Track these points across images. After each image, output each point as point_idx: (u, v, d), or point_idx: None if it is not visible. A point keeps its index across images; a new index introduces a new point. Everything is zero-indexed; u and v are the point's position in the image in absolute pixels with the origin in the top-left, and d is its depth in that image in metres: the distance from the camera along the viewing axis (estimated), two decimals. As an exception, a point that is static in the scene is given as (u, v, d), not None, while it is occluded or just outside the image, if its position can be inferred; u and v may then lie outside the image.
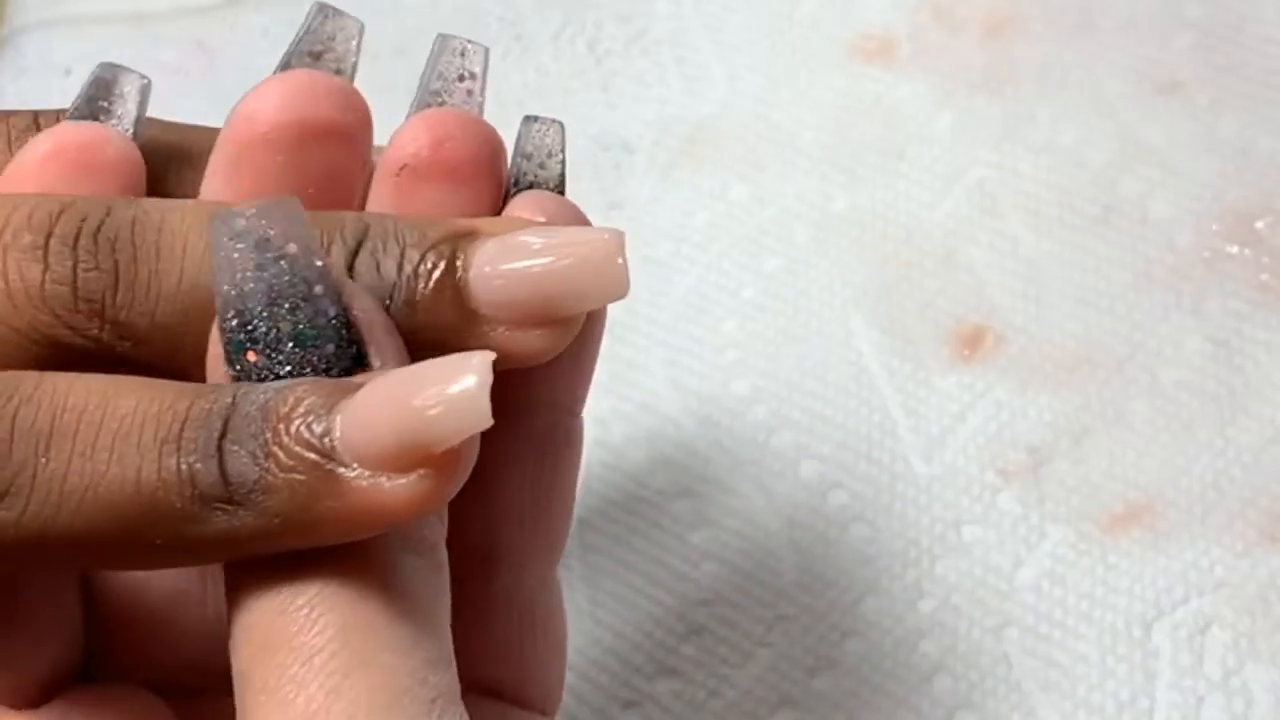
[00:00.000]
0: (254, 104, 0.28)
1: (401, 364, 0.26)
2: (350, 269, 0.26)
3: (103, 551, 0.25)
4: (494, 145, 0.29)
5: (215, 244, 0.25)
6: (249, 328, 0.25)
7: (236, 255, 0.25)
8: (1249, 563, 0.42)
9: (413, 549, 0.25)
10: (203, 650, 0.30)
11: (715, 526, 0.46)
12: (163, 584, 0.30)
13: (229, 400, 0.24)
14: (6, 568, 0.26)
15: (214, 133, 0.30)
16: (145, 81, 0.30)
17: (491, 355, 0.23)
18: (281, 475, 0.24)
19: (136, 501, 0.24)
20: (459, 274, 0.27)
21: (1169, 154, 0.50)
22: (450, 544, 0.27)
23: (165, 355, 0.26)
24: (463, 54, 0.30)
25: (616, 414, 0.48)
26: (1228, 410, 0.45)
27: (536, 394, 0.31)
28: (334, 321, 0.25)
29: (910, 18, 0.54)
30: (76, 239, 0.26)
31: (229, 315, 0.25)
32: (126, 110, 0.29)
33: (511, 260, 0.27)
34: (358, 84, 0.30)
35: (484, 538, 0.31)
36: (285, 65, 0.30)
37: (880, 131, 0.52)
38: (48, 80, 0.58)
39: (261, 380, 0.25)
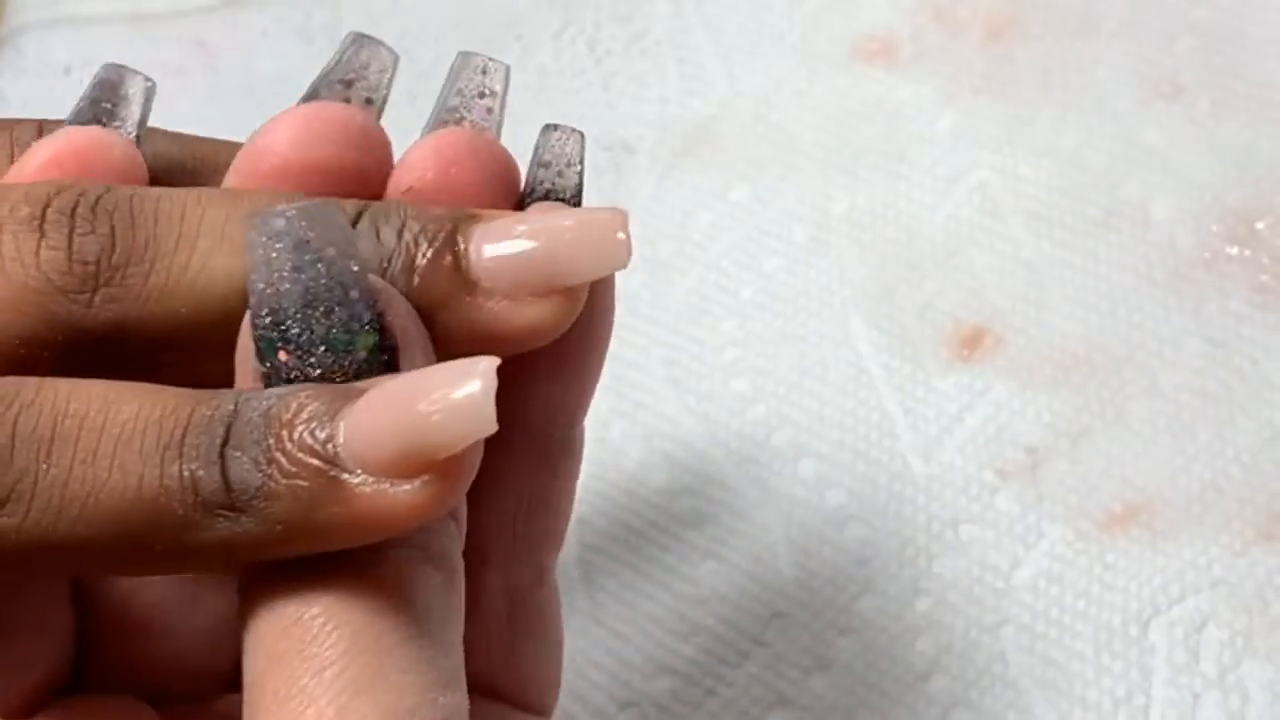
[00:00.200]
0: (266, 138, 0.28)
1: None
2: None
3: (104, 558, 0.24)
4: (505, 169, 0.29)
5: (252, 242, 0.24)
6: (282, 327, 0.24)
7: (274, 255, 0.24)
8: (1246, 561, 0.42)
9: (430, 560, 0.25)
10: (193, 657, 0.30)
11: (713, 525, 0.46)
12: (152, 591, 0.30)
13: (231, 407, 0.24)
14: (8, 575, 0.25)
15: (219, 145, 0.30)
16: (150, 84, 0.30)
17: (496, 360, 0.23)
18: (284, 481, 0.23)
19: (138, 508, 0.24)
20: (459, 244, 0.26)
21: (1170, 156, 0.50)
22: None
23: (159, 322, 0.26)
24: (484, 71, 0.30)
25: (616, 413, 0.48)
26: (1226, 411, 0.45)
27: (537, 405, 0.31)
28: (368, 327, 0.25)
29: (911, 19, 0.55)
30: (74, 209, 0.26)
31: (263, 312, 0.25)
32: (130, 113, 0.29)
33: (513, 232, 0.26)
34: None
35: (478, 542, 0.31)
36: (314, 93, 0.29)
37: (881, 133, 0.52)
38: (48, 80, 0.59)
39: (290, 380, 0.24)
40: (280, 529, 0.23)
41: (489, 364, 0.23)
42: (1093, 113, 0.51)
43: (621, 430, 0.48)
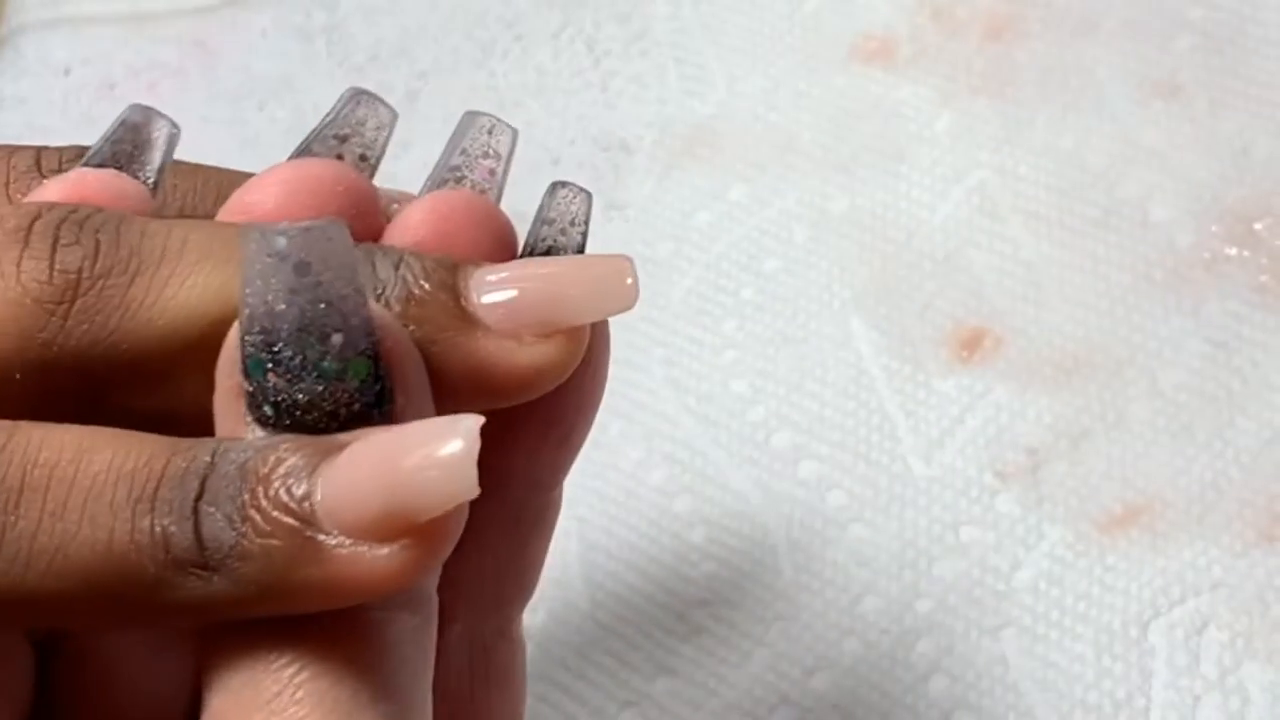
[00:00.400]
0: (254, 195, 0.27)
1: (426, 404, 0.24)
2: None
3: (73, 613, 0.23)
4: (503, 240, 0.28)
5: (250, 257, 0.23)
6: (273, 349, 0.23)
7: (272, 275, 0.23)
8: (1246, 563, 0.42)
9: (407, 604, 0.24)
10: (156, 707, 0.29)
11: (714, 526, 0.46)
12: (115, 639, 0.28)
13: (208, 458, 0.23)
14: None
15: (234, 176, 0.29)
16: (175, 130, 0.28)
17: (480, 419, 0.22)
18: (258, 541, 0.22)
19: (108, 564, 0.23)
20: (460, 281, 0.25)
21: (1169, 156, 0.50)
22: None
23: (135, 340, 0.25)
24: (490, 131, 0.29)
25: (615, 413, 0.48)
26: (1226, 412, 0.45)
27: (517, 471, 0.29)
28: (362, 355, 0.24)
29: (910, 19, 0.55)
30: (61, 223, 0.25)
31: (254, 330, 0.23)
32: (151, 159, 0.28)
33: (516, 271, 0.25)
34: (363, 85, 0.29)
35: (443, 599, 0.29)
36: (306, 148, 0.28)
37: (880, 133, 0.52)
38: (47, 80, 0.58)
39: (277, 401, 0.24)
40: (254, 590, 0.22)
41: (473, 422, 0.22)
42: (1092, 112, 0.51)
43: (621, 430, 0.48)
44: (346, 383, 0.23)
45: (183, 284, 0.25)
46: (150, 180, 0.28)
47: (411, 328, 0.25)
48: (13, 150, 0.29)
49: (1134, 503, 0.44)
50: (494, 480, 0.28)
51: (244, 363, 0.24)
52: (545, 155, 0.55)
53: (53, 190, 0.27)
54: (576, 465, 0.31)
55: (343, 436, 0.23)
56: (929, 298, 0.48)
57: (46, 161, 0.29)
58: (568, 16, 0.58)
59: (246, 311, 0.23)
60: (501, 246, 0.27)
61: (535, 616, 0.45)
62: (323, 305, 0.23)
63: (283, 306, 0.23)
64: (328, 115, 0.28)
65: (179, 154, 0.29)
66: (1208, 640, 0.41)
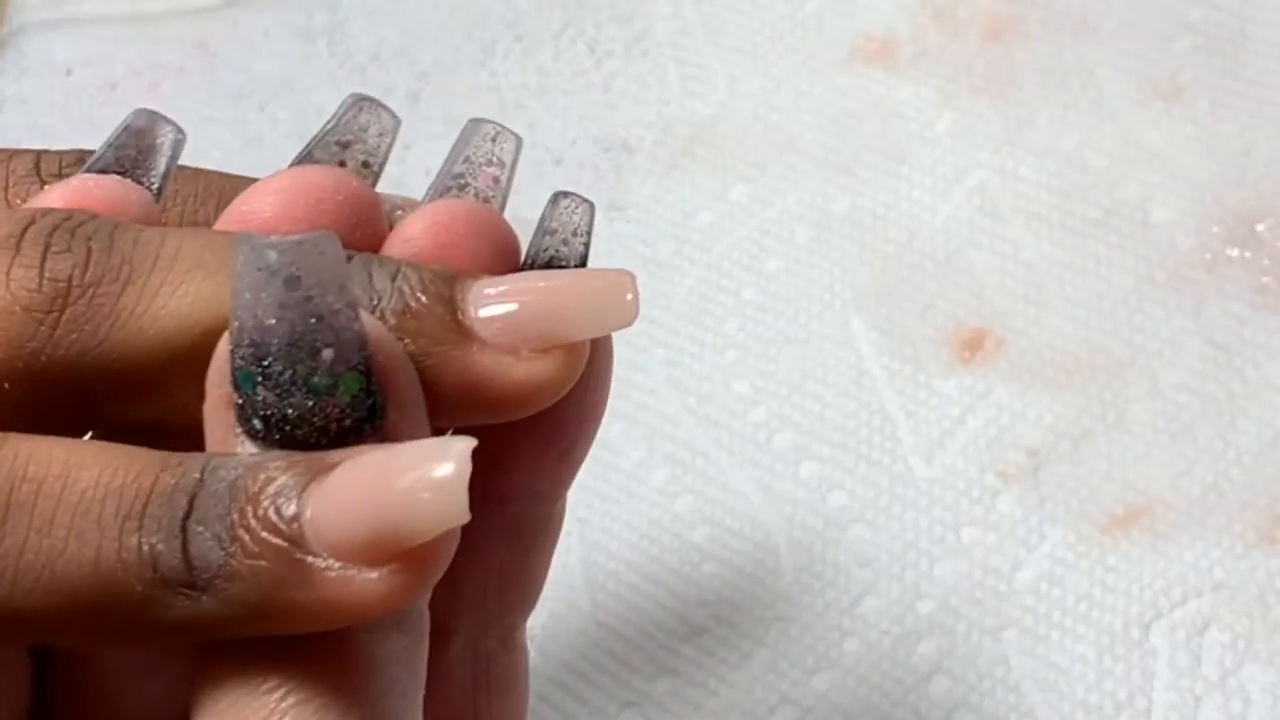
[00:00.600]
0: (252, 203, 0.26)
1: (420, 419, 0.24)
2: None
3: (61, 631, 0.23)
4: (505, 250, 0.27)
5: (240, 270, 0.23)
6: (263, 363, 0.23)
7: (263, 289, 0.23)
8: (1248, 564, 0.42)
9: (397, 624, 0.24)
10: (153, 713, 0.28)
11: (715, 526, 0.46)
12: (109, 652, 0.28)
13: (197, 475, 0.23)
14: None
15: (238, 181, 0.28)
16: (180, 136, 0.28)
17: (472, 442, 0.22)
18: (246, 562, 0.22)
19: (95, 582, 0.22)
20: (457, 293, 0.25)
21: (1170, 157, 0.50)
22: None
23: (124, 349, 0.24)
24: (494, 139, 0.28)
25: (616, 413, 0.48)
26: (1227, 413, 0.45)
27: (519, 486, 0.29)
28: (354, 370, 0.23)
29: (911, 20, 0.55)
30: (54, 230, 0.25)
31: (244, 344, 0.23)
32: (155, 165, 0.28)
33: (515, 284, 0.25)
34: (364, 86, 0.29)
35: (446, 612, 0.29)
36: (308, 154, 0.28)
37: (881, 133, 0.52)
38: (48, 81, 0.58)
39: (266, 415, 0.23)
40: (242, 611, 0.22)
41: (464, 445, 0.21)
42: (1092, 113, 0.51)
43: (621, 430, 0.48)
44: (337, 398, 0.23)
45: (174, 293, 0.24)
46: (154, 186, 0.27)
47: (406, 341, 0.25)
48: (12, 154, 0.29)
49: (1135, 504, 0.44)
50: (495, 493, 0.28)
51: (234, 375, 0.23)
52: (547, 156, 0.55)
53: (55, 197, 0.27)
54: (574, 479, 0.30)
55: (333, 455, 0.23)
56: (930, 298, 0.48)
57: (46, 166, 0.29)
58: (569, 17, 0.58)
59: (236, 324, 0.23)
60: (503, 257, 0.27)
61: (536, 617, 0.45)
62: (313, 320, 0.23)
63: (272, 321, 0.23)
64: (330, 121, 0.28)
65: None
66: (1209, 641, 0.41)
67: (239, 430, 0.23)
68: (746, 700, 0.43)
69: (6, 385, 0.24)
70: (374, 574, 0.22)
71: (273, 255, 0.23)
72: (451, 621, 0.29)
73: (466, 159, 0.28)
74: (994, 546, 0.44)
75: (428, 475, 0.22)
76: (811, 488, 0.46)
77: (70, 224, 0.25)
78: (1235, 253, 0.47)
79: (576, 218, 0.28)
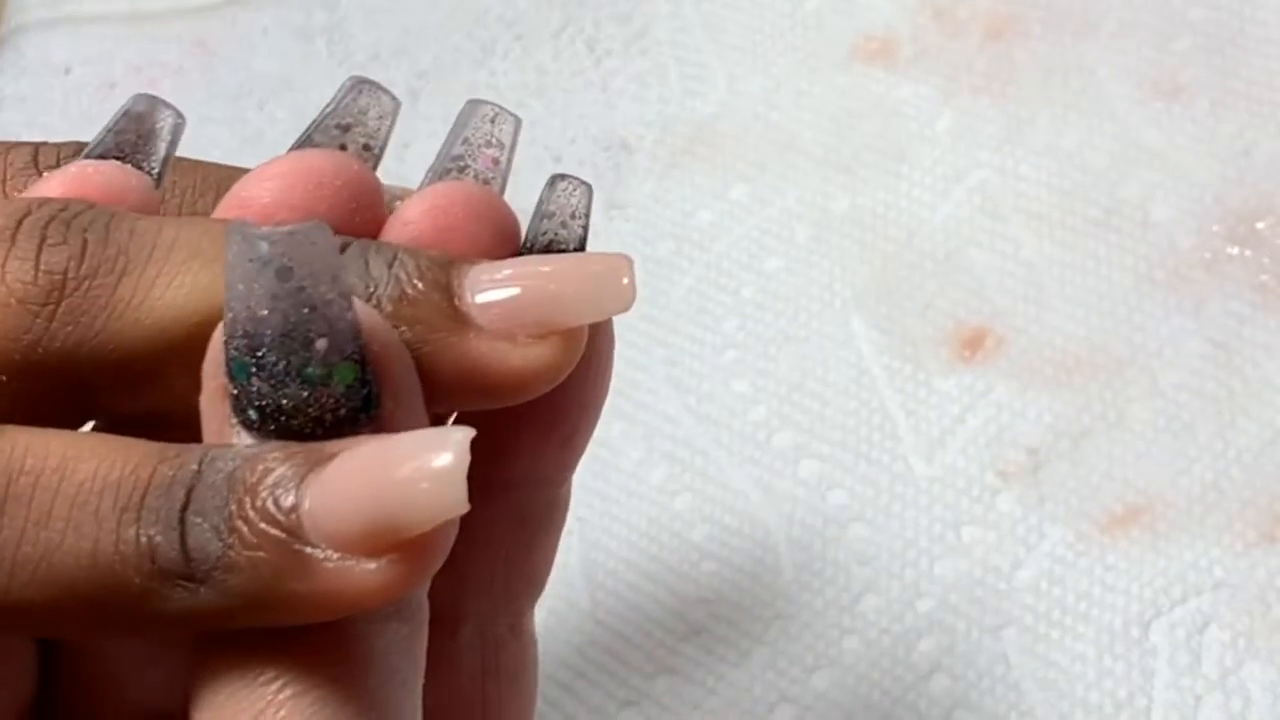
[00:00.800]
0: (251, 189, 0.26)
1: (414, 409, 0.24)
2: None
3: (58, 622, 0.23)
4: (505, 233, 0.27)
5: (233, 261, 0.23)
6: (257, 354, 0.23)
7: (255, 280, 0.23)
8: (1248, 563, 0.42)
9: (396, 614, 0.24)
10: (163, 700, 0.28)
11: (715, 525, 0.46)
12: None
13: (195, 467, 0.23)
14: None
15: (232, 172, 0.29)
16: (180, 120, 0.28)
17: (471, 432, 0.21)
18: (245, 553, 0.22)
19: (93, 574, 0.22)
20: (454, 279, 0.25)
21: (1170, 156, 0.50)
22: None
23: (120, 340, 0.24)
24: (493, 120, 0.28)
25: (616, 412, 0.48)
26: (1227, 412, 0.45)
27: (522, 470, 0.29)
28: (348, 360, 0.23)
29: (912, 19, 0.54)
30: (49, 222, 0.25)
31: (238, 335, 0.23)
32: (156, 149, 0.27)
33: (512, 270, 0.25)
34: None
35: (453, 600, 0.29)
36: (308, 138, 0.27)
37: (881, 132, 0.52)
38: (47, 80, 0.59)
39: (262, 407, 0.23)
40: (240, 602, 0.22)
41: (462, 435, 0.21)
42: (1093, 112, 0.51)
43: (621, 430, 0.48)
44: (332, 388, 0.23)
45: (170, 283, 0.24)
46: (155, 171, 0.27)
47: (403, 328, 0.24)
48: (10, 146, 0.29)
49: (1135, 502, 0.44)
50: (499, 479, 0.28)
51: (228, 366, 0.23)
52: (546, 154, 0.55)
53: (54, 184, 0.27)
54: (578, 465, 0.30)
55: (331, 446, 0.23)
56: (930, 297, 0.48)
57: (44, 158, 0.29)
58: (568, 16, 0.58)
59: (230, 316, 0.23)
60: (503, 239, 0.27)
61: (535, 614, 0.45)
62: (306, 310, 0.23)
63: (265, 312, 0.23)
64: (329, 104, 0.28)
65: (179, 150, 0.29)
66: (1209, 640, 0.41)
67: (234, 421, 0.23)
68: (746, 698, 0.43)
69: (4, 378, 0.24)
70: (372, 564, 0.22)
71: (264, 246, 0.23)
72: (459, 609, 0.29)
73: (465, 140, 0.28)
74: (994, 545, 0.44)
75: (426, 465, 0.21)
76: (811, 486, 0.46)
77: (65, 215, 0.25)
78: (1235, 252, 0.47)
79: (574, 200, 0.28)
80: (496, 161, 0.28)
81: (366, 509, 0.22)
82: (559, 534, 0.31)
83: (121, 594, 0.22)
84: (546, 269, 0.25)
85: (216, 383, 0.24)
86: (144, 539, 0.22)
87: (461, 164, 0.28)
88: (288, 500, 0.22)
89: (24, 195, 0.27)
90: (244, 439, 0.23)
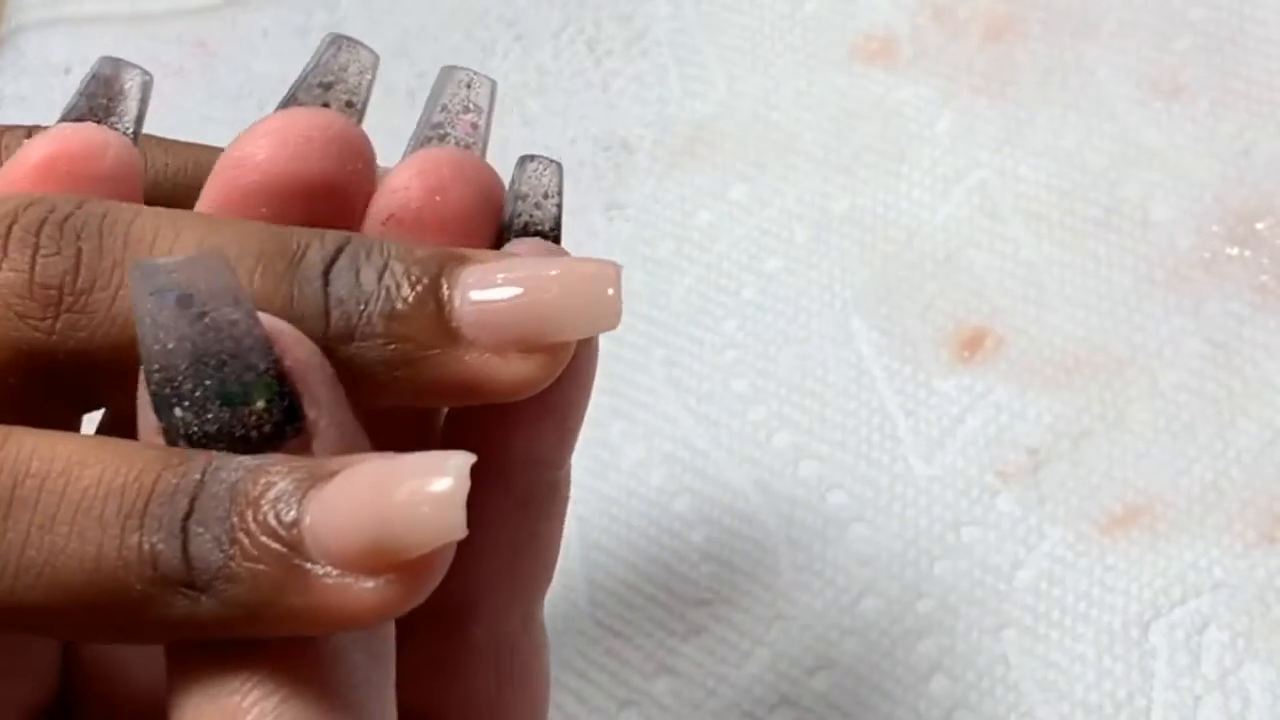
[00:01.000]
0: (245, 148, 0.27)
1: (338, 415, 0.24)
2: (326, 276, 0.25)
3: (60, 625, 0.23)
4: (491, 195, 0.28)
5: (137, 296, 0.23)
6: (175, 384, 0.23)
7: (160, 311, 0.23)
8: (1247, 563, 0.42)
9: (360, 644, 0.24)
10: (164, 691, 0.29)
11: (714, 526, 0.46)
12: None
13: (198, 476, 0.23)
14: None
15: (211, 151, 0.29)
16: (148, 78, 0.28)
17: (471, 458, 0.22)
18: (245, 565, 0.22)
19: (95, 580, 0.22)
20: (443, 290, 0.25)
21: (1170, 156, 0.50)
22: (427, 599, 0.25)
23: (124, 350, 0.25)
24: (468, 85, 0.29)
25: (616, 413, 0.48)
26: (1227, 412, 0.45)
27: (517, 453, 0.29)
28: (264, 376, 0.23)
29: (911, 19, 0.54)
30: (40, 226, 0.25)
31: (154, 369, 0.23)
32: (127, 108, 0.28)
33: (501, 282, 0.25)
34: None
35: (464, 596, 0.29)
36: (292, 98, 0.28)
37: (881, 133, 0.52)
38: (47, 80, 0.59)
39: (190, 435, 0.23)
40: (240, 612, 0.22)
41: (462, 460, 0.22)
42: (1092, 112, 0.51)
43: (621, 430, 0.48)
44: (253, 406, 0.23)
45: None
46: (129, 130, 0.28)
47: (393, 346, 0.25)
48: (3, 130, 0.29)
49: (1135, 503, 0.44)
50: (497, 464, 0.29)
51: (153, 401, 0.23)
52: (546, 154, 0.55)
53: (37, 147, 0.27)
54: (577, 465, 0.31)
55: (332, 462, 0.23)
56: (930, 298, 0.48)
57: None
58: (568, 16, 0.58)
59: (143, 351, 0.23)
60: (489, 201, 0.28)
61: (535, 616, 0.45)
62: (212, 334, 0.23)
63: (173, 345, 0.23)
64: (310, 63, 0.28)
65: (180, 135, 0.29)
66: (1208, 640, 0.41)
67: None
68: (746, 699, 0.43)
69: (11, 380, 0.25)
70: (370, 583, 0.22)
71: (162, 277, 0.23)
72: (471, 606, 0.30)
73: (443, 108, 0.28)
74: (994, 545, 0.44)
75: (425, 489, 0.22)
76: (811, 487, 0.46)
77: (56, 217, 0.25)
78: (1235, 252, 0.47)
79: (545, 179, 0.29)
80: (475, 126, 0.28)
81: (367, 528, 0.22)
82: (562, 519, 0.31)
83: (124, 600, 0.23)
84: (536, 282, 0.25)
85: (147, 419, 0.24)
86: (147, 546, 0.22)
87: (442, 131, 0.28)
88: (289, 515, 0.22)
89: (7, 189, 0.27)
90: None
